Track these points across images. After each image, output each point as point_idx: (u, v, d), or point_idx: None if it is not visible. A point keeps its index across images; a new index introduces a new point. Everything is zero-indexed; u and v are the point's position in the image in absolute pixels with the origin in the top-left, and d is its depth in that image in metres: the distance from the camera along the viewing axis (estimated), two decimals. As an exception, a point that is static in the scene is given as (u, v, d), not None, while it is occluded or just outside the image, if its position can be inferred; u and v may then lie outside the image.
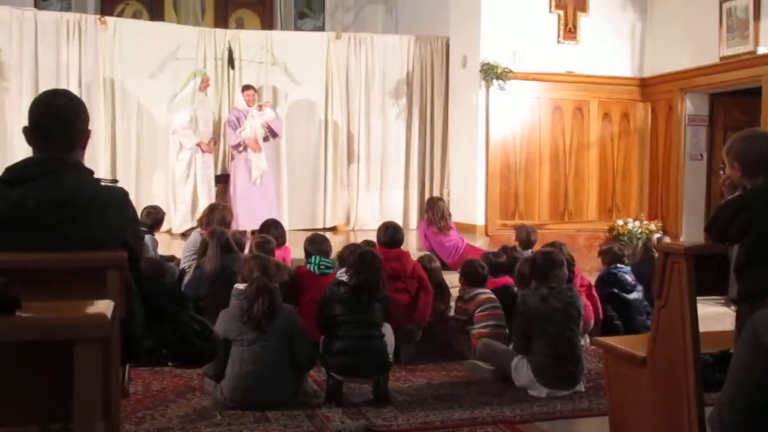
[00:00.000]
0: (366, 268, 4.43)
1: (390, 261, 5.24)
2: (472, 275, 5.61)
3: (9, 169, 2.41)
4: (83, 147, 2.57)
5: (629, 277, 6.05)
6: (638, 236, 9.10)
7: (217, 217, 6.21)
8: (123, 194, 2.53)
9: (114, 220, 2.43)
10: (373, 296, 4.41)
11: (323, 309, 4.41)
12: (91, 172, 2.51)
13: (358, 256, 4.54)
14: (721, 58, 8.46)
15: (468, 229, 8.99)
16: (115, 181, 2.66)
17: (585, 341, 5.42)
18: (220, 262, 5.06)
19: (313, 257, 5.38)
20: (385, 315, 4.55)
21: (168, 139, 9.03)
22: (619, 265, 6.14)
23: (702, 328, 3.06)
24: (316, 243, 5.57)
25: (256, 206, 8.68)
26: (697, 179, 9.24)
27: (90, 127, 2.57)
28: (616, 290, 5.97)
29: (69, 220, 2.34)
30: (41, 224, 2.31)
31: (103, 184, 2.51)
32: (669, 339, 3.09)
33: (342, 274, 4.57)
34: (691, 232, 8.98)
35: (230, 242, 5.34)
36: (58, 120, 2.44)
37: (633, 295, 5.99)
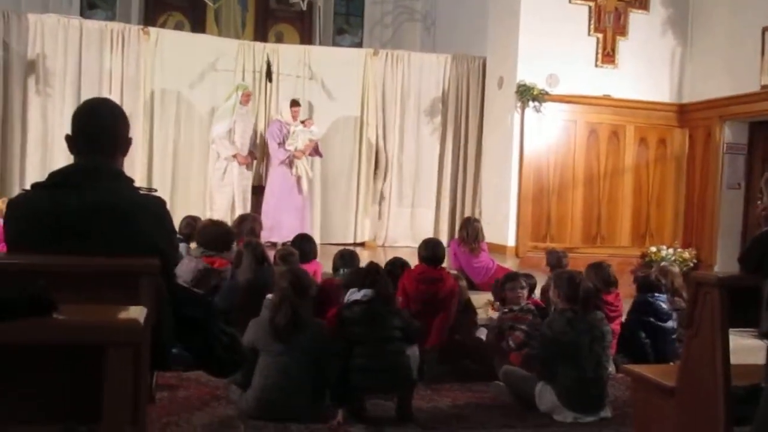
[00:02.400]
0: (374, 280, 4.42)
1: (425, 283, 5.21)
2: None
3: (52, 175, 2.46)
4: (124, 154, 2.61)
5: (665, 306, 5.97)
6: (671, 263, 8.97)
7: (246, 227, 6.24)
8: (160, 203, 2.56)
9: (151, 228, 2.46)
10: (389, 310, 4.38)
11: (340, 333, 4.36)
12: (131, 181, 2.55)
13: (365, 271, 4.53)
14: (762, 87, 8.38)
15: (498, 249, 8.97)
16: (153, 189, 2.69)
17: (611, 367, 5.35)
18: (254, 274, 5.09)
19: (341, 270, 5.40)
20: (409, 336, 4.50)
21: (205, 148, 9.18)
22: (655, 293, 6.04)
23: (734, 360, 3.02)
24: (345, 258, 5.59)
25: (290, 219, 8.75)
26: (733, 208, 9.12)
27: (130, 135, 2.61)
28: (652, 318, 5.89)
29: (107, 227, 2.37)
30: (80, 229, 2.35)
31: (141, 192, 2.54)
32: (699, 370, 3.06)
33: (352, 295, 4.52)
34: (726, 261, 8.83)
35: (265, 254, 5.38)
36: (100, 128, 2.48)
37: (669, 324, 5.91)
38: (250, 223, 6.41)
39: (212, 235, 5.34)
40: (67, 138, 2.52)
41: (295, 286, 4.26)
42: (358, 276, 4.63)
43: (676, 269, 6.56)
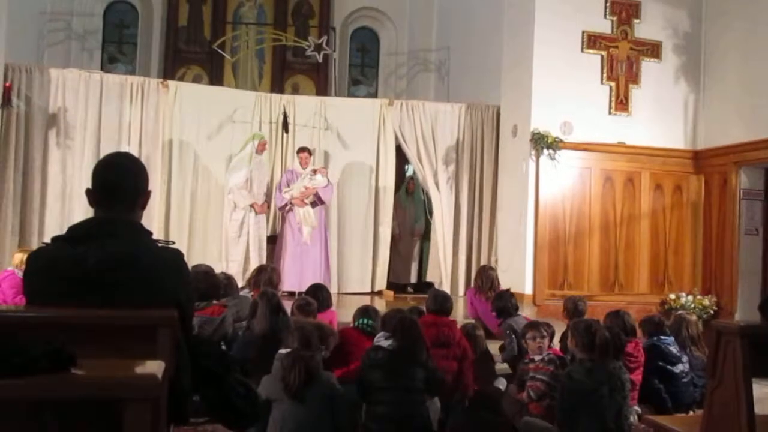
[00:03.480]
0: (404, 334, 4.40)
1: (440, 327, 5.20)
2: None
3: (72, 228, 2.48)
4: (143, 207, 2.63)
5: (674, 349, 5.87)
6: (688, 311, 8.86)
7: (264, 278, 6.22)
8: (179, 256, 2.57)
9: (169, 280, 2.48)
10: (413, 362, 4.36)
11: (361, 376, 4.38)
12: (150, 233, 2.56)
13: (397, 321, 4.50)
14: (777, 133, 8.39)
15: (515, 297, 8.86)
16: (171, 242, 2.71)
17: (633, 417, 5.24)
18: (269, 325, 5.06)
19: (361, 320, 5.38)
20: (431, 387, 4.46)
21: (222, 198, 9.22)
22: (662, 336, 5.96)
23: (758, 410, 2.98)
24: (369, 313, 5.56)
25: (303, 268, 8.77)
26: (752, 254, 9.05)
27: (149, 187, 2.64)
28: (661, 363, 5.79)
29: (126, 280, 2.39)
30: (100, 283, 2.36)
31: (160, 245, 2.55)
32: (722, 421, 3.02)
33: (380, 339, 4.52)
34: (747, 308, 8.72)
35: (280, 304, 5.34)
36: (120, 182, 2.51)
37: (679, 368, 5.80)
38: (267, 273, 6.35)
39: (201, 287, 5.26)
40: (88, 192, 2.55)
41: (305, 345, 4.24)
42: (391, 324, 4.60)
43: (693, 317, 6.46)
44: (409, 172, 10.70)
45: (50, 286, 2.39)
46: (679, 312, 7.20)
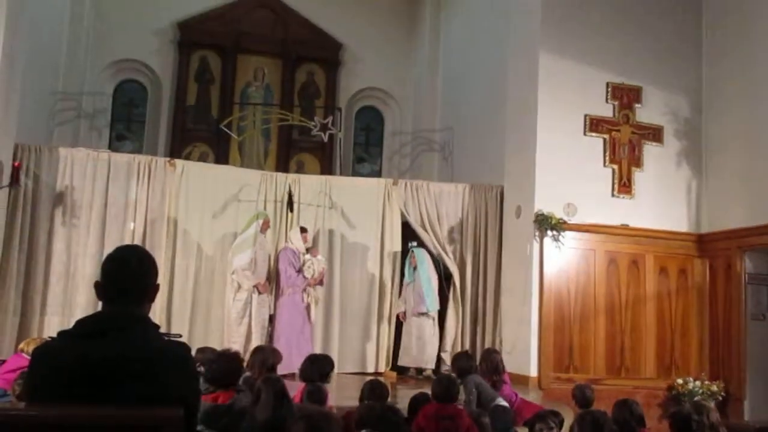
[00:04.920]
0: (389, 426, 4.20)
1: (444, 420, 5.06)
2: None
3: (80, 323, 2.46)
4: (151, 301, 2.62)
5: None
6: (699, 397, 8.70)
7: (258, 359, 5.95)
8: (185, 350, 2.56)
9: (176, 377, 2.45)
10: None
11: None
12: (157, 327, 2.54)
13: (379, 413, 4.30)
14: (781, 217, 8.39)
15: (520, 380, 8.80)
16: (177, 335, 2.72)
17: None
18: (273, 412, 4.89)
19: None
20: None
21: (225, 278, 9.16)
22: (690, 433, 5.76)
23: None
24: (375, 390, 5.41)
25: (304, 348, 8.66)
26: (760, 340, 8.94)
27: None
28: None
29: (132, 377, 2.36)
30: (106, 380, 2.34)
31: (167, 339, 2.55)
32: None
33: None
34: (756, 395, 8.60)
35: (285, 390, 5.14)
36: (130, 276, 2.51)
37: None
38: (262, 354, 6.14)
39: (222, 371, 5.07)
40: (96, 285, 2.54)
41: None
42: (372, 416, 4.34)
43: (711, 404, 6.31)
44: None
45: (55, 383, 2.35)
46: (696, 399, 7.04)
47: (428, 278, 9.70)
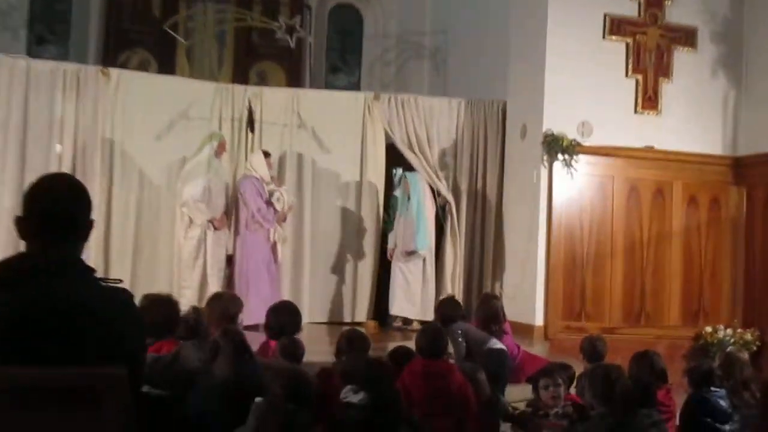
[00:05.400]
0: (376, 383, 4.30)
1: (432, 378, 5.14)
2: None
3: (2, 267, 2.43)
4: (85, 240, 2.59)
5: (724, 403, 5.81)
6: (731, 347, 8.89)
7: (216, 308, 5.86)
8: (128, 299, 2.57)
9: (118, 329, 2.46)
10: (393, 418, 4.24)
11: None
12: (93, 271, 2.54)
13: (364, 368, 4.41)
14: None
15: (524, 331, 8.95)
16: (118, 281, 2.69)
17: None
18: (234, 369, 4.93)
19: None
20: None
21: (174, 212, 9.15)
22: (713, 389, 5.91)
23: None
24: (353, 340, 5.48)
25: (271, 293, 8.72)
26: (803, 282, 9.12)
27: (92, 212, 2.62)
28: (709, 419, 5.73)
29: (68, 331, 2.36)
30: (41, 335, 2.34)
31: (106, 286, 2.53)
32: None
33: (348, 394, 4.38)
34: (797, 345, 8.80)
35: (246, 344, 5.16)
36: (60, 212, 2.48)
37: (727, 427, 5.77)
38: (226, 303, 6.15)
39: (163, 316, 5.09)
40: (18, 221, 2.49)
41: (292, 392, 4.11)
42: (357, 371, 4.47)
43: (745, 356, 6.44)
44: (399, 176, 10.65)
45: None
46: (729, 349, 7.17)
47: (422, 209, 9.67)
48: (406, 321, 9.74)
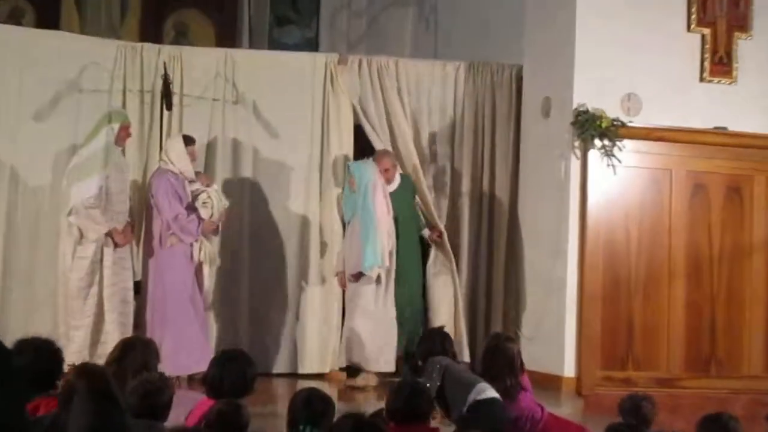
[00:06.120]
0: None
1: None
2: None
3: None
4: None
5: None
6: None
7: (136, 360, 5.84)
8: None
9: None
10: None
11: None
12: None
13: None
14: None
15: (548, 383, 8.99)
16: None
17: None
18: (91, 422, 4.79)
19: (303, 427, 5.18)
20: None
21: (58, 224, 9.01)
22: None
23: None
24: (313, 405, 5.30)
25: (189, 338, 8.75)
26: None
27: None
28: None
29: None
30: None
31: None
32: None
33: None
34: None
35: (109, 385, 5.03)
36: None
37: None
38: (140, 353, 5.97)
39: (40, 365, 5.14)
40: None
41: None
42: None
43: None
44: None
45: None
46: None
47: (369, 210, 9.42)
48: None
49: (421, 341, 7.33)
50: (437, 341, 6.97)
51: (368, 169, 9.61)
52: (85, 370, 4.97)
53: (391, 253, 9.48)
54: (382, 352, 9.45)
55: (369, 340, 9.43)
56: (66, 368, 6.14)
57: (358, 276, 9.39)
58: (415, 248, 9.98)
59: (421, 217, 10.12)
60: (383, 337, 9.48)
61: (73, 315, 8.78)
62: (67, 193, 8.87)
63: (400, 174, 9.93)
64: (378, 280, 9.38)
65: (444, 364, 6.58)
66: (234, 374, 5.77)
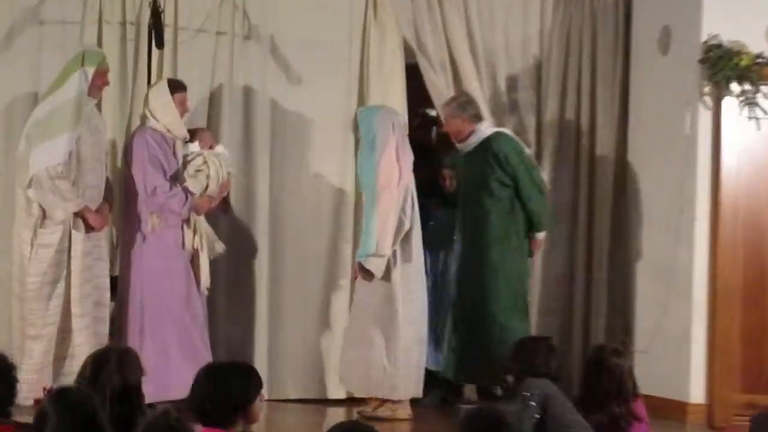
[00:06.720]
0: None
1: None
2: None
3: None
4: None
5: None
6: None
7: (112, 377, 5.76)
8: None
9: None
10: None
11: None
12: None
13: None
14: None
15: (669, 411, 9.15)
16: None
17: None
18: None
19: None
20: None
21: (13, 200, 9.10)
22: None
23: None
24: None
25: (189, 346, 8.93)
26: None
27: None
28: None
29: None
30: None
31: None
32: None
33: None
34: None
35: (94, 409, 4.95)
36: None
37: None
38: (113, 366, 5.84)
39: None
40: None
41: None
42: None
43: None
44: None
45: None
46: None
47: (370, 179, 9.43)
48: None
49: (518, 352, 7.28)
50: (540, 352, 7.06)
51: (377, 117, 9.56)
52: (64, 396, 4.95)
53: (408, 237, 9.35)
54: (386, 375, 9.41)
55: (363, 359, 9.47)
56: (21, 389, 6.13)
57: (366, 270, 9.33)
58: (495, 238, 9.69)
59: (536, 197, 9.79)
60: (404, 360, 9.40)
61: (31, 321, 8.76)
62: (26, 159, 8.84)
63: (495, 131, 9.72)
64: (387, 276, 9.27)
65: (548, 393, 6.56)
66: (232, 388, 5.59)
